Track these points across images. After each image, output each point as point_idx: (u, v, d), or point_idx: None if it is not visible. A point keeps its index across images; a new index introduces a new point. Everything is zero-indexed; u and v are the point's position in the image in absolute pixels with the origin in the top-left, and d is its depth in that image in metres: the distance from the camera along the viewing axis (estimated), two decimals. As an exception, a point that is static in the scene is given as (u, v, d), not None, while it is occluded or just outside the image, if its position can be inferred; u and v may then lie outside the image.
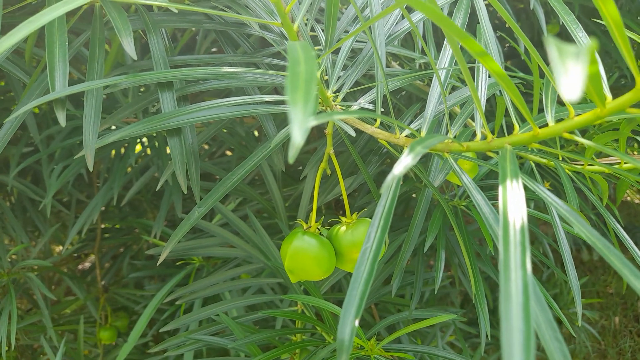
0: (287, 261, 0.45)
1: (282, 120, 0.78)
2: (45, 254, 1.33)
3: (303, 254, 0.44)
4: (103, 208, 1.17)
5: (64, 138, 0.94)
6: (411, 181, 0.73)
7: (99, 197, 0.98)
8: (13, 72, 0.54)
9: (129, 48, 0.39)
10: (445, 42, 0.47)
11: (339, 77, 0.47)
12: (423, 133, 0.42)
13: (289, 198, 0.91)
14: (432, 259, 1.34)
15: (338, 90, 0.47)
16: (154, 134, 0.95)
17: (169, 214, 1.03)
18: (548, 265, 1.29)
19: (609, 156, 0.77)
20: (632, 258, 0.55)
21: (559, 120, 0.39)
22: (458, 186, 0.78)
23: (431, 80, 0.69)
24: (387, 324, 0.68)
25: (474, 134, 0.70)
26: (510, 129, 1.00)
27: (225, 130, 0.90)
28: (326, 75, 0.48)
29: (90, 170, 0.42)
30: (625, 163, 0.66)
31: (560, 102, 0.43)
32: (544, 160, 0.60)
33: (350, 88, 0.47)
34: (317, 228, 0.47)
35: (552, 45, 0.15)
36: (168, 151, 0.91)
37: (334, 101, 0.46)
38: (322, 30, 0.49)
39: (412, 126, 0.45)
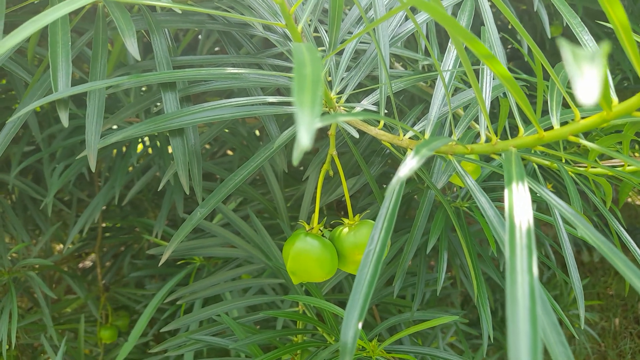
0: (289, 263, 0.45)
1: (284, 121, 0.78)
2: (46, 252, 1.33)
3: (305, 255, 0.44)
4: (104, 207, 1.17)
5: (65, 137, 0.94)
6: (413, 182, 0.73)
7: (100, 197, 0.98)
8: (15, 71, 0.54)
9: (133, 49, 0.39)
10: (449, 44, 0.47)
11: (342, 78, 0.47)
12: (427, 135, 0.42)
13: (290, 198, 0.91)
14: (433, 260, 1.34)
15: (341, 92, 0.47)
16: (156, 134, 0.95)
17: (170, 213, 1.03)
18: (549, 266, 1.28)
19: (612, 158, 0.77)
20: (633, 259, 0.54)
21: (563, 123, 0.39)
22: (460, 187, 0.78)
23: (434, 82, 0.69)
24: (388, 325, 0.68)
25: (477, 136, 0.70)
26: (512, 130, 1.00)
27: (227, 130, 0.90)
28: (329, 76, 0.47)
29: (93, 170, 0.42)
30: (628, 165, 0.66)
31: (564, 105, 0.43)
32: (547, 162, 0.60)
33: (354, 89, 0.47)
34: (320, 229, 0.47)
35: (567, 49, 0.15)
36: (170, 151, 0.92)
37: (337, 102, 0.46)
38: (326, 31, 0.49)
39: (415, 128, 0.45)
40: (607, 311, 2.57)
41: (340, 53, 0.49)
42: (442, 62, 0.46)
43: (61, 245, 1.73)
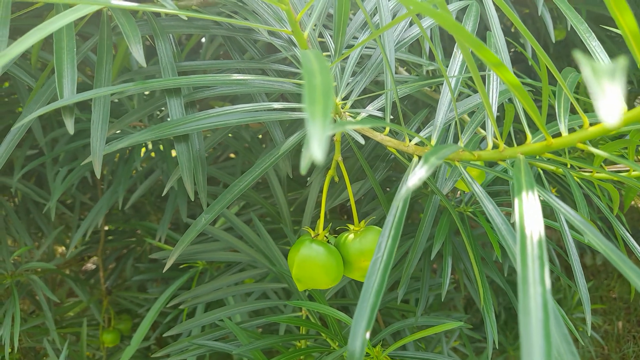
0: (294, 269, 0.44)
1: (287, 126, 0.78)
2: (49, 255, 1.33)
3: (311, 262, 0.43)
4: (106, 210, 1.16)
5: (68, 141, 0.94)
6: (418, 188, 0.72)
7: (103, 201, 0.98)
8: (19, 75, 0.54)
9: (138, 55, 0.39)
10: (455, 50, 0.46)
11: (347, 84, 0.47)
12: (433, 141, 0.42)
13: (293, 203, 0.91)
14: (435, 263, 1.34)
15: (346, 97, 0.47)
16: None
17: (172, 216, 1.03)
18: (552, 270, 1.28)
19: (616, 163, 0.76)
20: (636, 260, 0.54)
21: (570, 129, 0.39)
22: (464, 192, 0.78)
23: (438, 86, 0.69)
24: (392, 331, 0.68)
25: (481, 140, 0.69)
26: (516, 134, 0.99)
27: (230, 135, 0.90)
28: (335, 82, 0.47)
29: (98, 176, 0.42)
30: (634, 171, 0.65)
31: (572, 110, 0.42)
32: (552, 168, 0.60)
33: (359, 95, 0.47)
34: (325, 236, 0.47)
35: (586, 64, 0.15)
36: (173, 154, 0.92)
37: (343, 108, 0.45)
38: (331, 37, 0.49)
39: (421, 134, 0.45)
40: (610, 314, 2.56)
41: (345, 58, 0.49)
42: (447, 67, 0.46)
43: (63, 247, 1.72)
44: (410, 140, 0.42)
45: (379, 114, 0.45)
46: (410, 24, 0.56)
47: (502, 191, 0.78)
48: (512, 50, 1.34)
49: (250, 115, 0.42)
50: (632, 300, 2.61)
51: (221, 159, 1.20)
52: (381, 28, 0.29)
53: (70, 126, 0.41)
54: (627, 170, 0.67)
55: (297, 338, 0.70)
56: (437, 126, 0.42)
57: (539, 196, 0.31)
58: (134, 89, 0.39)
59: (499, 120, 1.03)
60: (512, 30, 1.33)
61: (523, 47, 0.93)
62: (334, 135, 0.47)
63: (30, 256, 1.22)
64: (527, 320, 0.19)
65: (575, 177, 0.63)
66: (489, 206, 0.33)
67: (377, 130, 0.43)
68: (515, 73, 0.90)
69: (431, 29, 0.66)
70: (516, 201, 0.25)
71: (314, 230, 0.48)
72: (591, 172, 0.63)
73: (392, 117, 0.45)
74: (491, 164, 0.84)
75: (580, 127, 0.48)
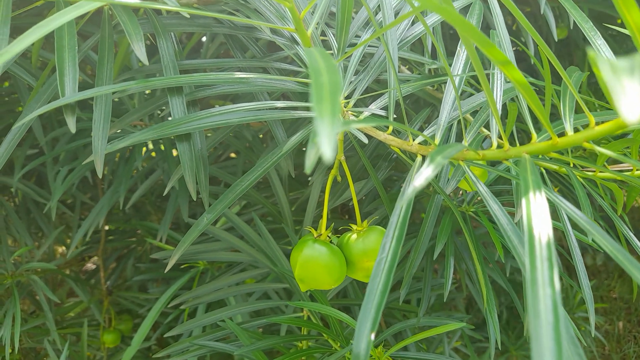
0: (297, 270, 0.44)
1: (289, 125, 0.77)
2: (49, 255, 1.33)
3: (314, 262, 0.43)
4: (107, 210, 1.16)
5: (69, 140, 0.94)
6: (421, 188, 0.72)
7: (104, 201, 0.97)
8: (19, 74, 0.54)
9: (141, 54, 0.39)
10: (458, 48, 0.46)
11: (350, 82, 0.46)
12: (437, 140, 0.41)
13: (294, 202, 0.90)
14: (437, 263, 1.33)
15: (349, 96, 0.47)
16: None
17: (172, 215, 1.03)
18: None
19: (619, 163, 0.76)
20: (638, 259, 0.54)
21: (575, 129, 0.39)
22: (466, 191, 0.78)
23: (440, 85, 0.69)
24: (395, 331, 0.67)
25: (484, 139, 0.69)
26: (517, 133, 0.99)
27: (231, 134, 0.89)
28: (337, 80, 0.47)
29: (100, 176, 0.41)
30: (637, 170, 0.65)
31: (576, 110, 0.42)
32: (555, 167, 0.60)
33: (362, 94, 0.47)
34: (328, 236, 0.47)
35: (605, 63, 0.14)
36: (174, 154, 0.91)
37: (345, 107, 0.45)
38: (333, 35, 0.48)
39: (425, 133, 0.44)
40: (611, 314, 2.55)
41: (348, 56, 0.48)
42: (450, 65, 0.46)
43: (63, 247, 1.72)
44: (413, 140, 0.41)
45: (382, 112, 0.45)
46: (413, 23, 0.56)
47: (503, 191, 0.78)
48: (514, 49, 1.33)
49: (253, 114, 0.42)
50: (633, 301, 2.60)
51: (222, 159, 1.20)
52: (385, 26, 0.28)
53: (72, 125, 0.40)
54: (630, 170, 0.67)
55: (299, 339, 0.69)
56: (441, 125, 0.42)
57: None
58: (136, 87, 0.39)
59: (501, 120, 1.02)
60: (514, 28, 1.32)
61: (525, 45, 0.92)
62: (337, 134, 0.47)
63: (30, 256, 1.21)
64: (537, 323, 0.19)
65: (578, 177, 0.62)
66: (494, 206, 0.33)
67: (380, 129, 0.43)
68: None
69: (433, 28, 0.65)
70: (523, 201, 0.24)
71: (316, 230, 0.48)
72: (594, 171, 0.63)
73: (395, 115, 0.45)
74: (492, 163, 0.84)
75: (584, 126, 0.47)
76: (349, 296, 0.90)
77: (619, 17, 1.16)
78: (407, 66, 0.69)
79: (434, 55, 0.66)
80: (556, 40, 0.84)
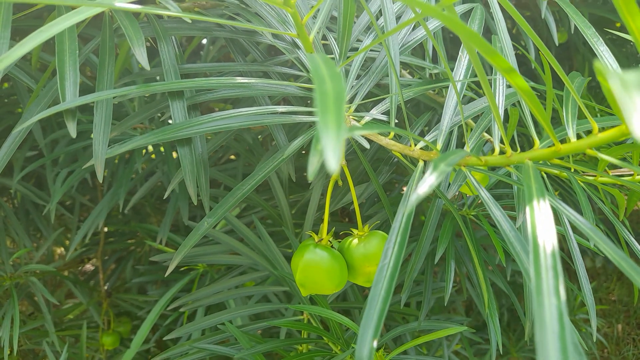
0: (298, 274, 0.44)
1: (289, 128, 0.77)
2: (48, 256, 1.32)
3: (315, 267, 0.43)
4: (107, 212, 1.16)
5: (68, 143, 0.94)
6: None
7: (104, 203, 0.97)
8: (19, 77, 0.54)
9: (142, 58, 0.39)
10: (460, 54, 0.46)
11: (352, 87, 0.46)
12: (439, 145, 0.41)
13: (295, 205, 0.90)
14: (436, 267, 1.33)
15: (350, 101, 0.47)
16: (160, 139, 0.94)
17: (172, 218, 1.03)
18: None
19: (619, 167, 0.76)
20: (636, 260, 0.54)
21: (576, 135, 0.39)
22: (467, 195, 0.78)
23: (441, 90, 0.69)
24: (395, 335, 0.67)
25: (485, 144, 0.69)
26: (519, 137, 0.99)
27: (232, 137, 0.89)
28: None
29: (100, 180, 0.41)
30: (638, 175, 0.65)
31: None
32: (556, 172, 0.60)
33: (363, 98, 0.47)
34: (329, 240, 0.46)
35: (614, 77, 0.14)
36: (174, 156, 0.91)
37: (347, 112, 0.45)
38: (335, 39, 0.48)
39: (426, 138, 0.44)
40: (610, 317, 2.55)
41: (350, 61, 0.48)
42: (452, 70, 0.46)
43: (61, 248, 1.72)
44: (416, 145, 0.41)
45: (384, 117, 0.45)
46: (414, 28, 0.56)
47: (504, 195, 0.78)
48: (514, 53, 1.33)
49: (254, 118, 0.42)
50: (631, 303, 2.61)
51: (222, 161, 1.20)
52: (388, 31, 0.28)
53: (72, 130, 0.40)
54: (631, 175, 0.67)
55: (299, 342, 0.69)
56: (443, 130, 0.42)
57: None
58: (137, 91, 0.39)
59: (502, 125, 1.02)
60: (513, 32, 1.32)
61: (525, 50, 0.92)
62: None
63: (29, 258, 1.21)
64: (543, 333, 0.19)
65: (579, 182, 0.62)
66: (497, 213, 0.33)
67: (381, 134, 0.43)
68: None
69: (434, 33, 0.65)
70: (527, 209, 0.24)
71: (316, 234, 0.48)
72: (595, 176, 0.63)
73: (396, 120, 0.45)
74: (493, 168, 0.84)
75: (585, 132, 0.47)
76: (348, 299, 0.90)
77: (618, 22, 1.16)
78: (408, 70, 0.69)
79: (434, 60, 0.66)
80: (557, 44, 0.84)
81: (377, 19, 0.51)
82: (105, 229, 1.31)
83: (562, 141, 0.34)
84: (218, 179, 0.92)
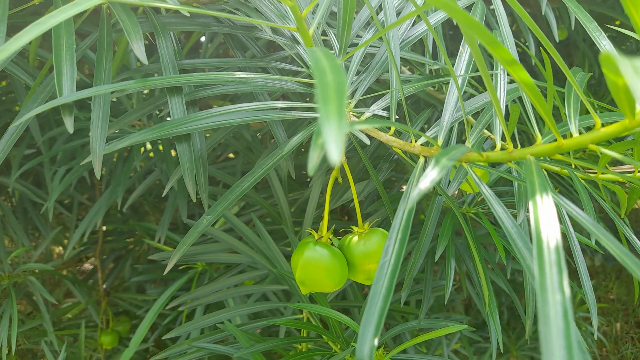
0: (298, 272, 0.43)
1: (288, 125, 0.77)
2: (46, 255, 1.32)
3: (315, 265, 0.43)
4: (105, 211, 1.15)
5: (66, 140, 0.93)
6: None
7: (102, 201, 0.96)
8: (16, 74, 0.53)
9: (140, 52, 0.38)
10: (461, 49, 0.46)
11: (351, 83, 0.46)
12: (439, 141, 0.41)
13: (294, 203, 0.90)
14: (435, 265, 1.33)
15: (350, 97, 0.46)
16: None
17: (171, 216, 1.02)
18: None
19: (620, 164, 0.76)
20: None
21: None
22: (467, 193, 0.77)
23: (441, 86, 0.68)
24: (395, 334, 0.67)
25: (485, 140, 0.69)
26: (519, 135, 0.98)
27: (231, 134, 0.89)
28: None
29: (98, 177, 0.41)
30: (639, 171, 0.64)
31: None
32: (557, 169, 0.59)
33: (363, 94, 0.46)
34: (329, 238, 0.46)
35: (626, 64, 0.14)
36: (173, 154, 0.91)
37: (346, 108, 0.45)
38: (335, 35, 0.48)
39: (427, 134, 0.44)
40: (609, 315, 2.55)
41: (349, 56, 0.48)
42: (453, 66, 0.45)
43: (60, 247, 1.71)
44: (416, 141, 0.41)
45: (384, 113, 0.44)
46: (414, 24, 0.55)
47: (503, 193, 0.78)
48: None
49: (253, 114, 0.41)
50: (630, 302, 2.61)
51: (221, 159, 1.19)
52: (388, 25, 0.28)
53: (69, 125, 0.40)
54: (632, 172, 0.67)
55: (299, 341, 0.69)
56: (444, 126, 0.41)
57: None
58: (135, 87, 0.38)
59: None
60: (513, 29, 1.32)
61: (524, 46, 0.92)
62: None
63: (27, 257, 1.21)
64: (548, 330, 0.18)
65: (580, 178, 0.62)
66: (499, 209, 0.33)
67: (381, 130, 0.43)
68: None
69: (435, 28, 0.65)
70: (530, 204, 0.24)
71: (316, 231, 0.47)
72: (595, 173, 0.63)
73: (396, 116, 0.44)
74: (493, 165, 0.83)
75: (585, 128, 0.47)
76: (348, 298, 0.90)
77: (617, 19, 1.15)
78: (408, 67, 0.69)
79: (434, 56, 0.65)
80: (557, 41, 0.84)
81: (377, 14, 0.51)
82: (104, 228, 1.31)
83: (564, 137, 0.34)
84: (217, 177, 0.91)
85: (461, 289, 1.23)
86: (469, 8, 0.53)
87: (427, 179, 0.23)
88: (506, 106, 0.54)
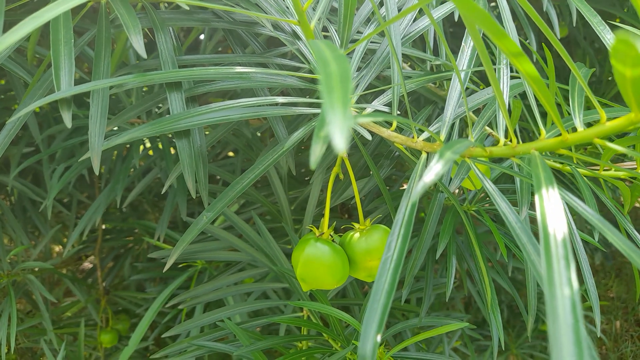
0: (299, 269, 0.43)
1: (289, 123, 0.76)
2: (45, 254, 1.31)
3: (316, 261, 0.42)
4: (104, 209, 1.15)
5: (65, 138, 0.93)
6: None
7: (101, 199, 0.96)
8: (14, 70, 0.53)
9: (139, 46, 0.38)
10: (463, 44, 0.45)
11: (352, 78, 0.46)
12: (442, 137, 0.40)
13: (294, 201, 0.89)
14: (436, 263, 1.33)
15: (351, 93, 0.46)
16: (158, 135, 0.93)
17: (170, 214, 1.02)
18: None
19: (620, 162, 0.75)
20: None
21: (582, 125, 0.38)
22: (468, 190, 0.77)
23: (443, 84, 0.68)
24: (396, 331, 0.66)
25: (486, 137, 0.68)
26: (521, 132, 0.98)
27: (230, 132, 0.88)
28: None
29: (97, 173, 0.40)
30: (642, 168, 0.64)
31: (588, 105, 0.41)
32: (559, 165, 0.59)
33: (364, 90, 0.46)
34: (330, 235, 0.46)
35: None
36: (172, 152, 0.90)
37: (348, 103, 0.44)
38: (335, 30, 0.47)
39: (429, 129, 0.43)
40: (608, 314, 2.55)
41: (350, 52, 0.48)
42: (456, 62, 0.45)
43: (59, 246, 1.71)
44: (418, 136, 0.40)
45: (385, 109, 0.44)
46: (414, 20, 0.55)
47: (504, 190, 0.77)
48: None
49: (253, 110, 0.41)
50: (630, 300, 2.61)
51: (220, 157, 1.19)
52: (390, 19, 0.28)
53: (67, 120, 0.39)
54: (634, 168, 0.66)
55: (299, 339, 0.68)
56: (447, 121, 0.41)
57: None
58: (134, 81, 0.38)
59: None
60: (515, 23, 1.32)
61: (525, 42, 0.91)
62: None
63: (26, 255, 1.20)
64: (556, 325, 0.18)
65: (582, 174, 0.62)
66: (502, 204, 0.32)
67: (383, 126, 0.42)
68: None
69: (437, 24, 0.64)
70: (537, 198, 0.23)
71: (317, 228, 0.47)
72: (597, 169, 0.62)
73: (398, 112, 0.44)
74: (495, 161, 0.83)
75: (588, 125, 0.47)
76: (348, 296, 0.90)
77: (617, 16, 1.15)
78: (409, 63, 0.68)
79: (435, 52, 0.65)
80: (558, 38, 0.83)
81: (379, 9, 0.51)
82: (103, 226, 1.30)
83: (573, 132, 0.33)
84: (216, 175, 0.91)
85: (461, 287, 1.23)
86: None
87: (432, 172, 0.23)
88: (508, 102, 0.54)
